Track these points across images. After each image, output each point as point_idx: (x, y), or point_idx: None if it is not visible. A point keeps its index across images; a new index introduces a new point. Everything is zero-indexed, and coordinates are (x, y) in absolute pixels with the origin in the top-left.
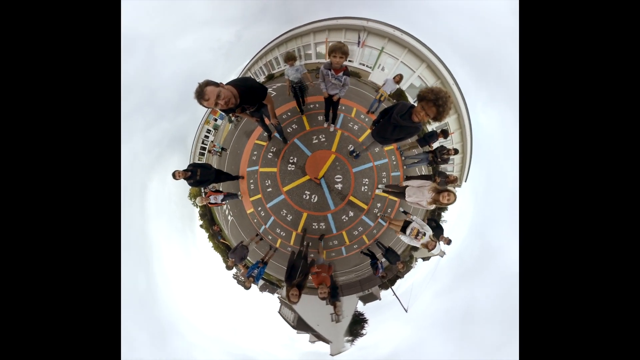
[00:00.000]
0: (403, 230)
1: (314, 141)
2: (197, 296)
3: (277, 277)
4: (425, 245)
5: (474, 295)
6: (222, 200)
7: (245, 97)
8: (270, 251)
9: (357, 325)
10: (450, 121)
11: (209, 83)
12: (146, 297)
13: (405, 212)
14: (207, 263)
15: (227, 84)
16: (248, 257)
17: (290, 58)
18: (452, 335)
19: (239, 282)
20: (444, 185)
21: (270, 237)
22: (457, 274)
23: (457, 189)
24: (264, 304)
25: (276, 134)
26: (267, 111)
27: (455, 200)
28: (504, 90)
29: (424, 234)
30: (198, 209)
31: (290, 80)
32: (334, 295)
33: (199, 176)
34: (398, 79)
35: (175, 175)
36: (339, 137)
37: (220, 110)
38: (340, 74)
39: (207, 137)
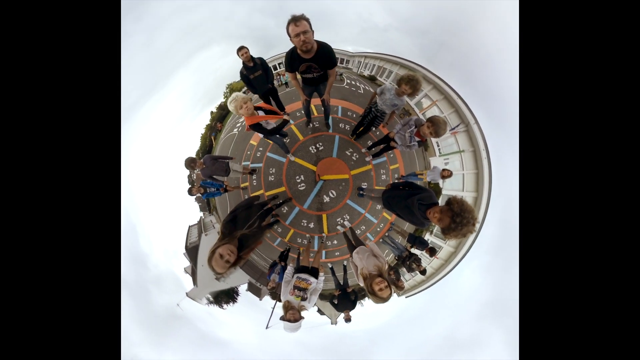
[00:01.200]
0: (299, 271)
1: (347, 152)
2: (149, 150)
3: (219, 208)
4: (285, 307)
5: None
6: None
7: (320, 56)
8: (235, 186)
9: (225, 296)
10: (445, 248)
11: (308, 20)
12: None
13: (332, 269)
14: (185, 139)
15: (317, 41)
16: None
17: (411, 84)
18: None
19: (188, 179)
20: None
21: (242, 176)
22: (324, 345)
23: (394, 294)
24: (187, 210)
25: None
26: (323, 89)
27: (385, 298)
28: (504, 275)
29: (305, 299)
30: (228, 101)
31: (376, 102)
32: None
33: (253, 78)
34: (446, 174)
35: (241, 51)
36: (365, 170)
37: (290, 56)
38: (417, 139)
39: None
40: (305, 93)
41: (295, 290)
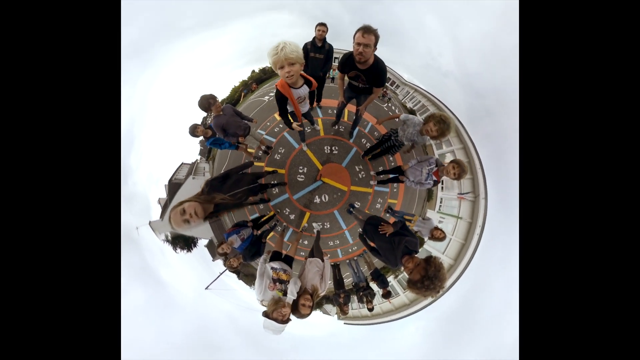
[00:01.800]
0: (272, 259)
1: (356, 167)
2: (181, 75)
3: (217, 160)
4: (275, 303)
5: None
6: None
7: (371, 71)
8: (246, 149)
9: (183, 242)
10: (401, 297)
11: (377, 36)
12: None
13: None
14: (217, 82)
15: (376, 57)
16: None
17: (440, 126)
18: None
19: (203, 120)
20: (346, 298)
21: (253, 145)
22: (250, 329)
23: (335, 315)
24: (188, 147)
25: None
26: (363, 100)
27: (302, 314)
28: (442, 347)
29: (284, 292)
30: (274, 47)
31: (397, 130)
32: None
33: (312, 57)
34: (437, 234)
35: (320, 27)
36: (364, 192)
37: (347, 63)
38: (435, 178)
39: None
40: (345, 96)
41: (277, 284)
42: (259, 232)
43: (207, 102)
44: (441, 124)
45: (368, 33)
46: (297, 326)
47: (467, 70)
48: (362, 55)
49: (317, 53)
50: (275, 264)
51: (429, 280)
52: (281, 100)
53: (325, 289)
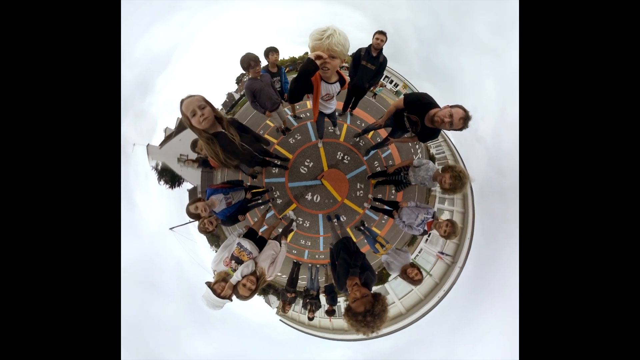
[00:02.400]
0: (245, 236)
1: (357, 185)
2: (243, 26)
3: (237, 116)
4: (220, 277)
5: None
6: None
7: (431, 131)
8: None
9: (169, 176)
10: (341, 320)
11: (465, 127)
12: None
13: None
14: (262, 45)
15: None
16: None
17: (454, 181)
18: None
19: (237, 80)
20: (289, 296)
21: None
22: (194, 289)
23: (275, 309)
24: (215, 95)
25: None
26: (398, 136)
27: (241, 295)
28: None
29: (232, 270)
30: (317, 30)
31: (410, 170)
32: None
33: (363, 66)
34: (412, 274)
35: (379, 35)
36: (354, 210)
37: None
38: (426, 228)
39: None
40: (387, 122)
41: (232, 262)
42: (250, 203)
43: (248, 62)
44: (456, 179)
45: (465, 122)
46: (236, 303)
47: (501, 146)
48: (440, 124)
49: (370, 63)
50: (246, 244)
51: (372, 316)
52: (306, 75)
53: (273, 275)
